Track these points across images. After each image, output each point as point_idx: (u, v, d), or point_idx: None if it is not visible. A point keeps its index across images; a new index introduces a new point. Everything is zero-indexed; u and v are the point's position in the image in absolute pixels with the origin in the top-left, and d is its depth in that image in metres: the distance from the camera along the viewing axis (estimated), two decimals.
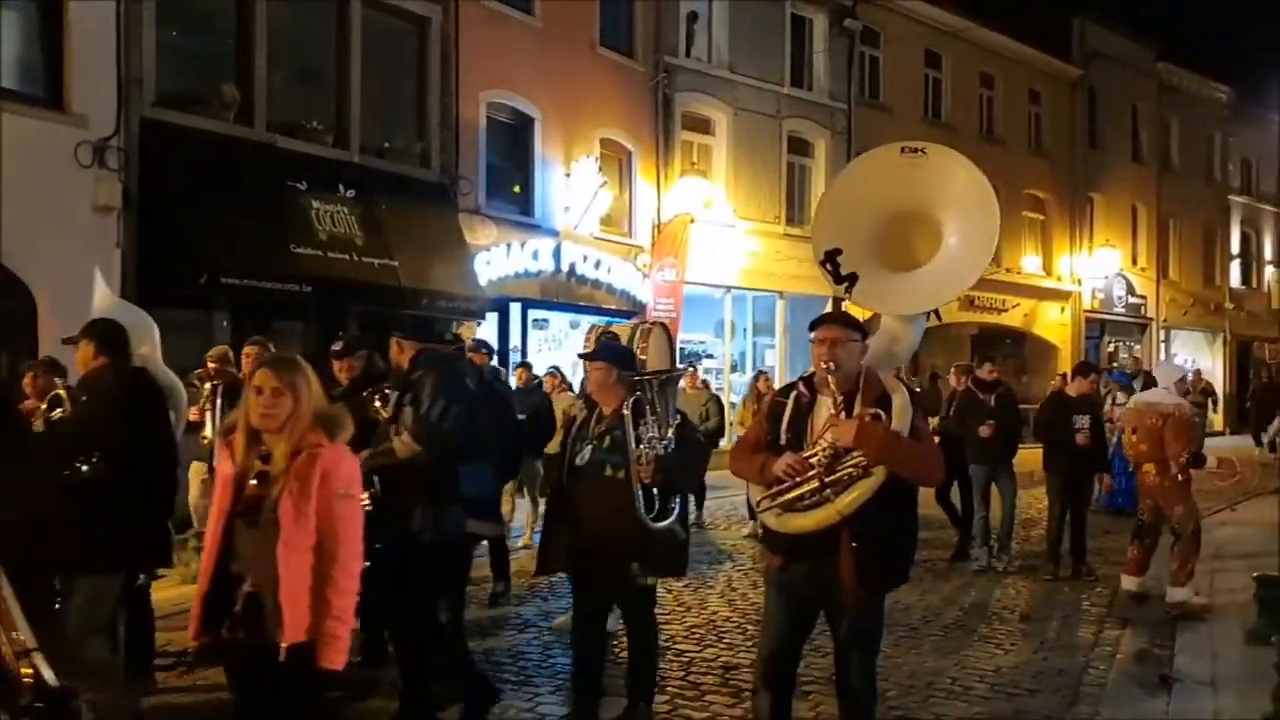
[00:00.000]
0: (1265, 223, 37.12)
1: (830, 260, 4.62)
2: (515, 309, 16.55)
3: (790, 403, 4.26)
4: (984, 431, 9.64)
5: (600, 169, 17.36)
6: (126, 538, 4.85)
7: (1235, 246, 35.65)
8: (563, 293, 16.97)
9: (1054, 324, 28.71)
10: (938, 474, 4.28)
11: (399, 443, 5.04)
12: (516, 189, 16.78)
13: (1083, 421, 9.54)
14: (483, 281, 15.17)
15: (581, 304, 17.37)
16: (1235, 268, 35.66)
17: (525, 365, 12.13)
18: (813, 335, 4.22)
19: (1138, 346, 31.60)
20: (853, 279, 4.61)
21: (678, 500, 5.12)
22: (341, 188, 13.62)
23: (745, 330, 21.59)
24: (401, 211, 14.22)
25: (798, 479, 4.03)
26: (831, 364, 4.09)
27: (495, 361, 10.46)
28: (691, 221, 18.33)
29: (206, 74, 12.92)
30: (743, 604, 8.24)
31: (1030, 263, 27.76)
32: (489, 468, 6.34)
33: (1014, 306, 26.97)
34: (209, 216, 11.81)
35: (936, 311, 4.90)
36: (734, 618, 7.78)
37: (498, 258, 15.65)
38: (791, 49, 21.60)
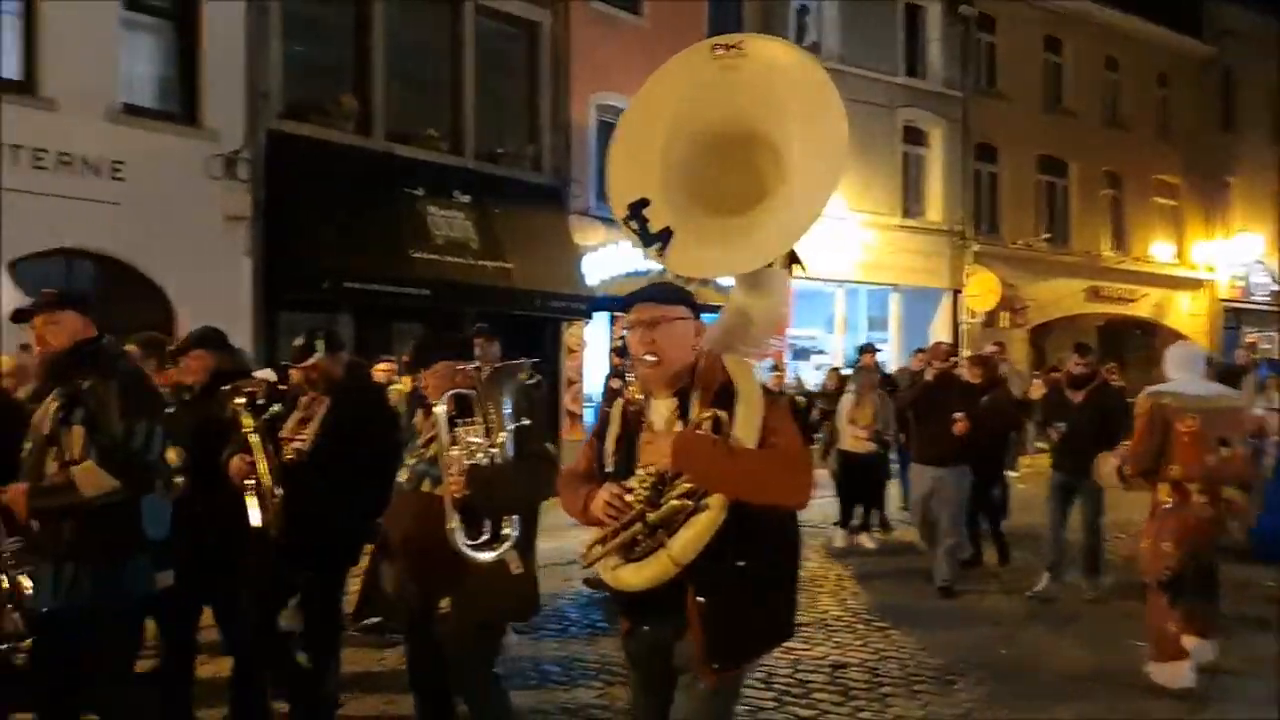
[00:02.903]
0: None
1: (635, 214, 3.32)
2: None
3: (614, 412, 3.23)
4: (1052, 435, 8.49)
5: None
6: None
7: None
8: None
9: (1187, 314, 27.58)
10: (795, 489, 3.01)
11: None
12: None
13: None
14: (592, 282, 15.37)
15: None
16: None
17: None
18: (625, 319, 3.26)
19: None
20: (666, 236, 3.28)
21: (517, 525, 4.02)
22: (456, 193, 14.00)
23: (858, 326, 21.33)
24: (514, 215, 14.52)
25: (620, 519, 3.00)
26: (652, 354, 3.06)
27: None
28: None
29: (328, 86, 13.42)
30: (853, 602, 8.19)
31: (1161, 250, 26.72)
32: None
33: (1143, 296, 26.01)
34: (331, 223, 12.28)
35: (797, 261, 3.39)
36: (844, 616, 7.73)
37: (606, 258, 15.83)
38: (905, 38, 21.28)
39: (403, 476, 4.26)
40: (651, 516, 2.93)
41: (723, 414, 2.96)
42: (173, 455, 5.00)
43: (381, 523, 4.35)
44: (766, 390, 3.10)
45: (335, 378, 4.95)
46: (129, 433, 3.86)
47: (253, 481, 4.73)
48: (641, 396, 3.17)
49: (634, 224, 3.32)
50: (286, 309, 12.38)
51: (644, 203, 3.33)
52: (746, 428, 2.95)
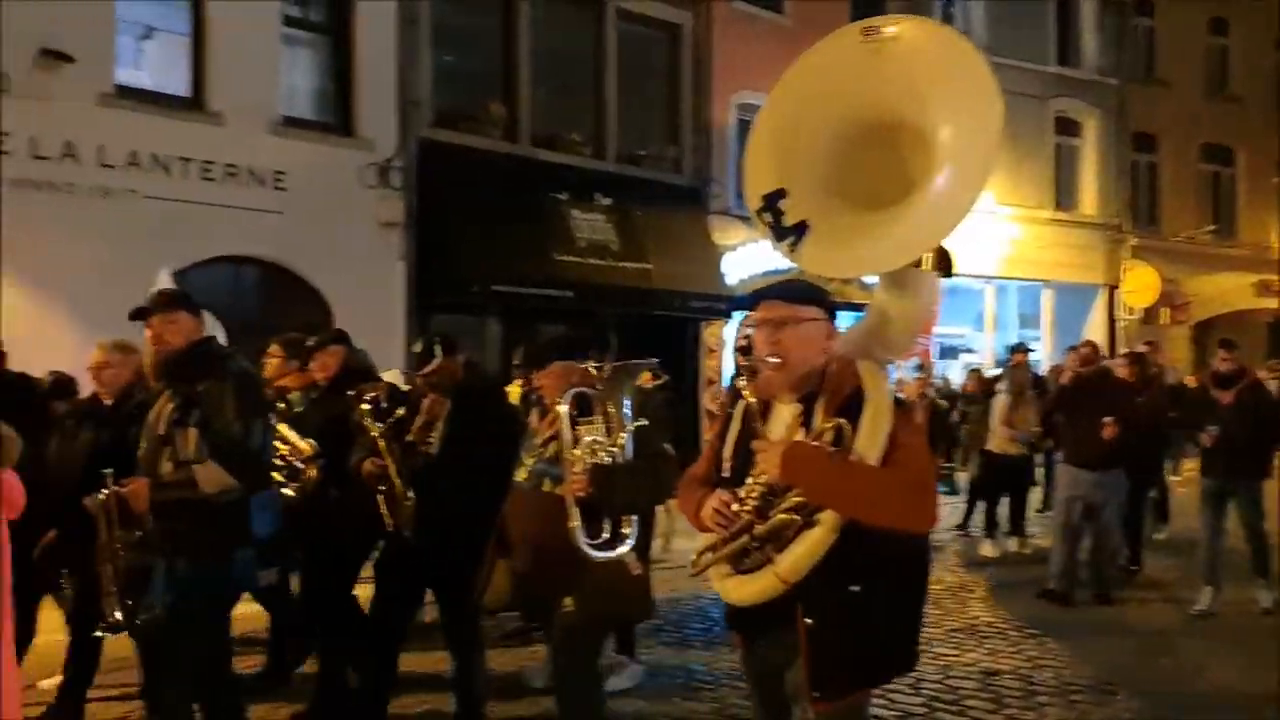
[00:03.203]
0: None
1: (770, 206, 3.11)
2: None
3: (736, 414, 3.04)
4: (1204, 440, 7.78)
5: None
6: None
7: None
8: None
9: None
10: (914, 513, 2.76)
11: None
12: None
13: None
14: (731, 281, 15.35)
15: (834, 301, 17.17)
16: None
17: None
18: (751, 317, 3.03)
19: None
20: (801, 230, 3.06)
21: (636, 525, 4.07)
22: (598, 195, 14.19)
23: (1008, 323, 20.70)
24: (654, 216, 14.63)
25: (729, 530, 2.84)
26: (776, 356, 2.88)
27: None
28: None
29: (476, 94, 13.80)
30: (1005, 609, 7.96)
31: None
32: None
33: None
34: (480, 228, 12.60)
35: (949, 262, 3.10)
36: (995, 623, 7.52)
37: (746, 257, 15.77)
38: (1057, 25, 20.55)
39: (521, 476, 4.25)
40: (759, 529, 2.76)
41: (847, 424, 2.73)
42: (306, 447, 5.27)
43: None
44: (899, 401, 2.86)
45: (456, 379, 5.00)
46: (246, 431, 3.92)
47: (385, 485, 4.81)
48: (755, 400, 2.97)
49: (768, 216, 3.10)
50: (437, 311, 12.78)
51: (780, 194, 3.10)
52: (870, 441, 2.72)
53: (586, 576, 3.94)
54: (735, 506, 2.83)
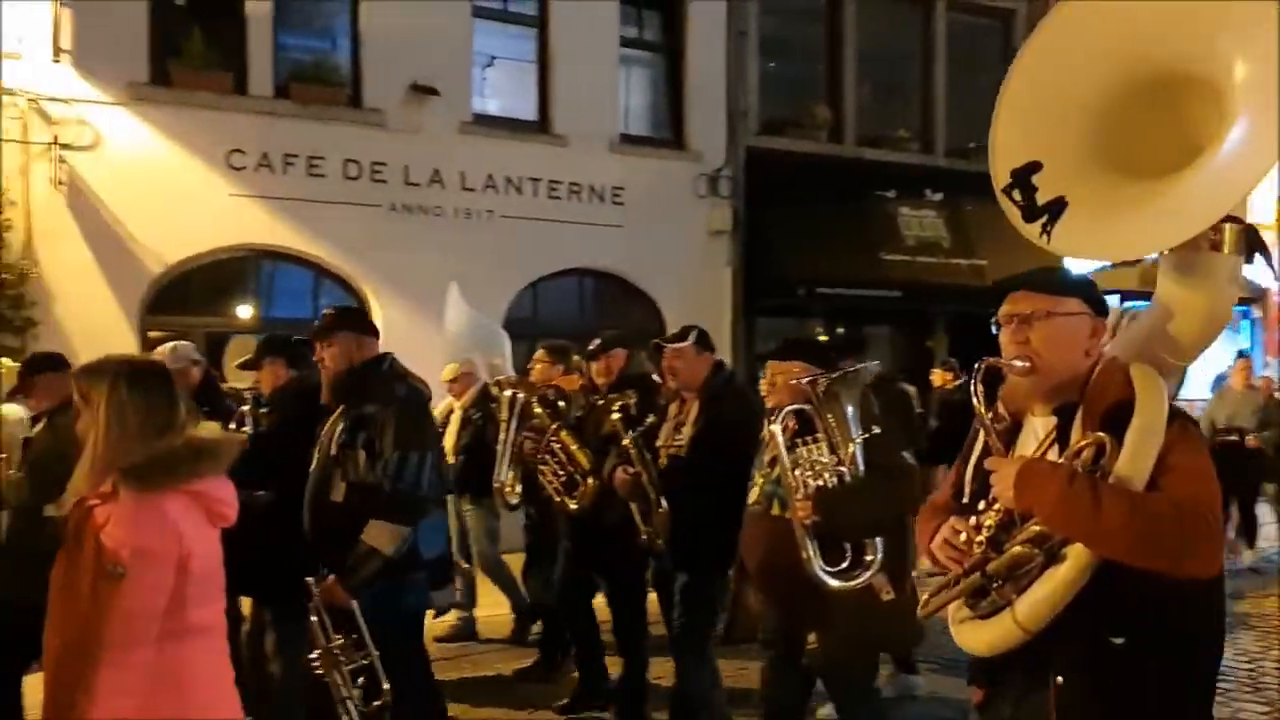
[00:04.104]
0: None
1: (1021, 182, 2.63)
2: (1113, 300, 15.57)
3: (982, 428, 2.52)
4: None
5: None
6: None
7: None
8: None
9: None
10: (1184, 553, 2.15)
11: None
12: None
13: None
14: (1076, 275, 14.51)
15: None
16: None
17: None
18: (998, 314, 2.51)
19: None
20: (1056, 208, 2.56)
21: (880, 547, 3.66)
22: (928, 192, 13.88)
23: None
24: (988, 210, 14.04)
25: (962, 565, 2.37)
26: (1026, 360, 2.38)
27: None
28: None
29: (801, 98, 13.92)
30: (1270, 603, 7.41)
31: None
32: None
33: None
34: (805, 232, 12.71)
35: (1255, 242, 2.45)
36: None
37: None
38: None
39: (752, 497, 4.03)
40: (993, 565, 2.28)
41: (1110, 439, 2.21)
42: (584, 459, 5.28)
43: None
44: (1179, 415, 2.29)
45: (702, 378, 4.83)
46: (401, 463, 3.90)
47: (639, 494, 4.78)
48: (1004, 411, 2.51)
49: (1017, 194, 2.68)
50: (762, 315, 13.04)
51: (1033, 167, 2.67)
52: (1134, 462, 2.19)
53: (832, 609, 3.66)
54: (965, 538, 2.37)
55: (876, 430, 3.70)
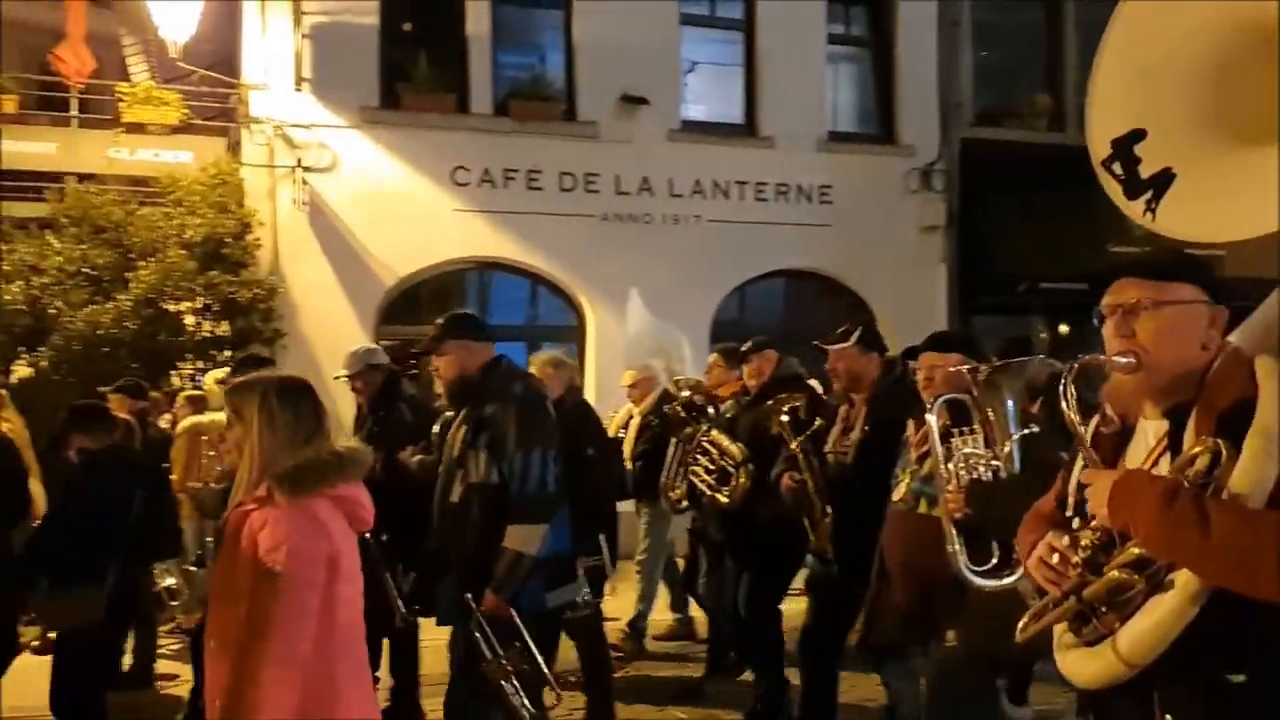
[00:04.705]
0: None
1: (1123, 153, 2.31)
2: None
3: (1089, 433, 2.23)
4: None
5: None
6: None
7: None
8: None
9: None
10: None
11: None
12: None
13: None
14: None
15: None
16: None
17: None
18: (1101, 305, 2.19)
19: None
20: (1162, 181, 2.24)
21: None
22: None
23: None
24: None
25: (1059, 587, 2.09)
26: (1131, 356, 2.07)
27: None
28: None
29: (1019, 87, 13.39)
30: None
31: None
32: None
33: None
34: (1025, 225, 12.22)
35: None
36: None
37: None
38: None
39: (897, 495, 3.93)
40: (1088, 590, 2.00)
41: (1227, 445, 1.88)
42: (737, 451, 5.29)
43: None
44: None
45: (869, 380, 4.66)
46: (526, 464, 3.90)
47: (805, 500, 4.65)
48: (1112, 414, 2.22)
49: (1118, 167, 2.38)
50: (979, 313, 12.59)
51: (1137, 136, 2.34)
52: (1252, 472, 1.85)
53: (972, 607, 3.50)
54: (1060, 558, 2.10)
55: (1035, 428, 3.50)
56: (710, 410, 5.92)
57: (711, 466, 5.44)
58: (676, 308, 9.70)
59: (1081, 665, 2.05)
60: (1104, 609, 1.99)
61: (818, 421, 4.76)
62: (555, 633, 4.31)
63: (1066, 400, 2.15)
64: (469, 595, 3.86)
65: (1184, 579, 1.89)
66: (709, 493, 5.53)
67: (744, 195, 12.01)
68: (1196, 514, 1.82)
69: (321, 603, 2.65)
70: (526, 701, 3.76)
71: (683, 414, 5.86)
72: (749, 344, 5.82)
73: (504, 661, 3.76)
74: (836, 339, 4.68)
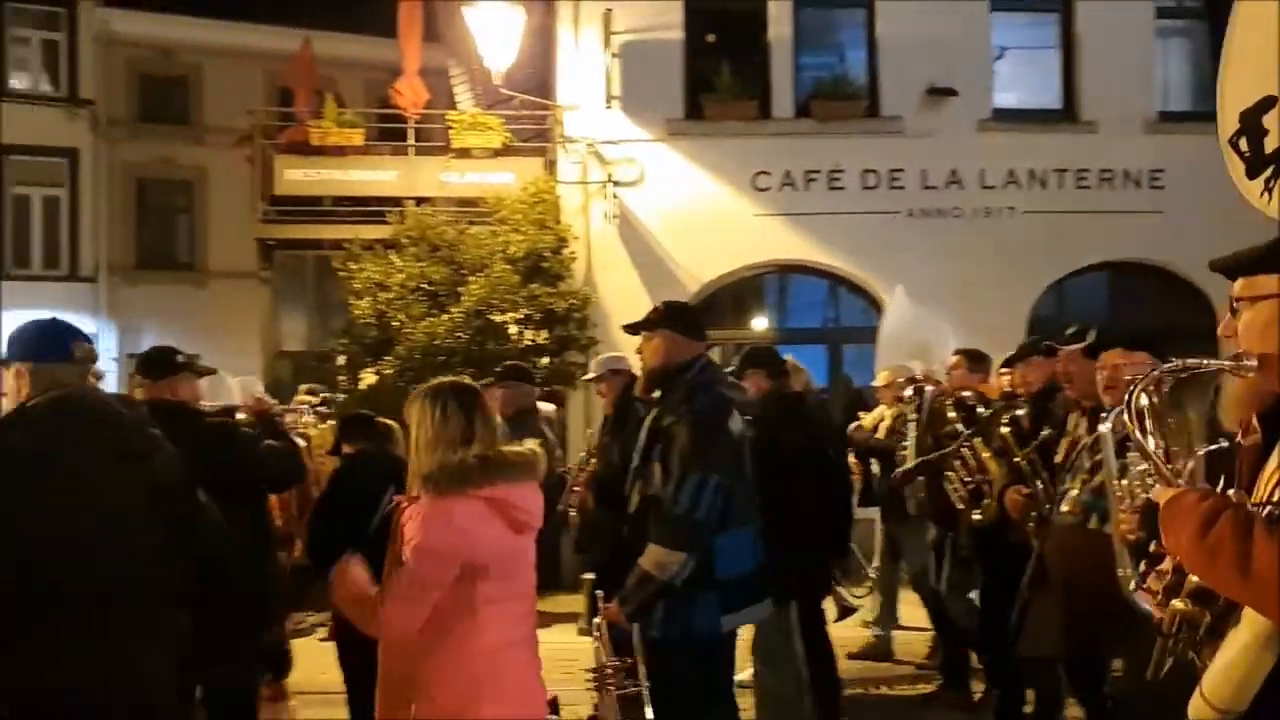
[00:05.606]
0: None
1: (1249, 129, 2.07)
2: None
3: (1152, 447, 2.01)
4: None
5: None
6: None
7: None
8: None
9: None
10: None
11: None
12: None
13: None
14: None
15: None
16: None
17: None
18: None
19: None
20: None
21: None
22: None
23: None
24: None
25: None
26: (1247, 357, 1.84)
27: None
28: None
29: None
30: None
31: None
32: None
33: None
34: None
35: None
36: None
37: None
38: None
39: (1065, 507, 3.80)
40: (1165, 622, 1.83)
41: None
42: (995, 470, 4.87)
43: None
44: None
45: (1041, 381, 4.57)
46: (680, 486, 3.69)
47: (1034, 514, 4.29)
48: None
49: (1243, 143, 2.18)
50: None
51: (1267, 104, 2.19)
52: None
53: (1144, 636, 3.10)
54: (1151, 584, 1.91)
55: (1225, 443, 3.12)
56: (979, 411, 5.45)
57: (969, 478, 5.07)
58: (989, 305, 9.35)
59: (1193, 705, 1.82)
60: (1198, 644, 1.80)
61: (1045, 431, 4.43)
62: (727, 655, 4.06)
63: (1128, 411, 2.00)
64: (599, 593, 3.84)
65: (1250, 620, 1.67)
66: (960, 507, 5.17)
67: (1063, 183, 11.36)
68: (1236, 541, 1.61)
69: (458, 602, 2.75)
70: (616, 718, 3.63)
71: (953, 414, 5.44)
72: (1018, 349, 5.41)
73: (608, 673, 3.61)
74: (1070, 339, 4.37)
